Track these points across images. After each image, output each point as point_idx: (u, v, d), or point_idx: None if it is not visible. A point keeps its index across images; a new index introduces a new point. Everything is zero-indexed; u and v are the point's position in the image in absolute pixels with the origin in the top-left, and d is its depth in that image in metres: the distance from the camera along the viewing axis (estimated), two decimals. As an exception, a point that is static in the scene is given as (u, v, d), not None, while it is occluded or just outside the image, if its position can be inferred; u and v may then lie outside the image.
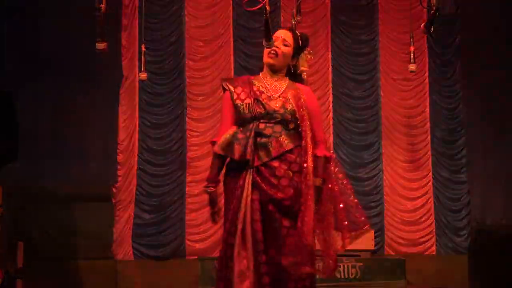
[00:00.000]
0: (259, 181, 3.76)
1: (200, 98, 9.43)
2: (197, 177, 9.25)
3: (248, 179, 3.77)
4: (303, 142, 3.83)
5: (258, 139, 3.81)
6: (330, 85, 9.57)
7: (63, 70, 8.92)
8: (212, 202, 3.96)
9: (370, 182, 9.50)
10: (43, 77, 8.91)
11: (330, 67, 9.61)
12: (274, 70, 3.96)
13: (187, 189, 9.24)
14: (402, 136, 9.59)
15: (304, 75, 4.06)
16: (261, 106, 3.85)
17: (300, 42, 4.02)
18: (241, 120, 3.88)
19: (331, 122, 9.50)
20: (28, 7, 9.02)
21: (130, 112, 9.29)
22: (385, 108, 9.60)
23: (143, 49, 7.58)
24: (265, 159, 3.79)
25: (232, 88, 3.95)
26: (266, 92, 3.91)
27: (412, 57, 7.80)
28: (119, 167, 9.13)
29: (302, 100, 3.88)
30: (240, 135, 3.84)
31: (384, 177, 9.50)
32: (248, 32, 9.47)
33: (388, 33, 9.67)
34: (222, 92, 4.03)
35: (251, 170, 3.79)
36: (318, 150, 3.86)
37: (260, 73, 4.02)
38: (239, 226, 3.74)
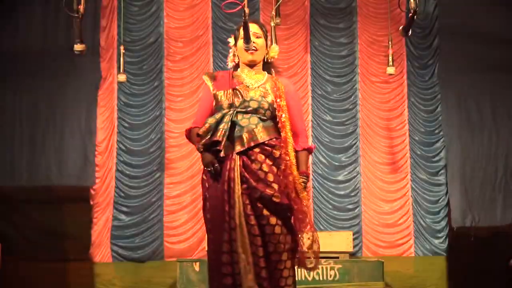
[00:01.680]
0: (247, 175, 3.76)
1: (179, 99, 9.43)
2: (175, 178, 9.25)
3: (236, 171, 3.77)
4: (282, 133, 3.85)
5: (235, 129, 3.82)
6: (309, 87, 9.59)
7: (39, 71, 8.89)
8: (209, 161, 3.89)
9: (348, 185, 9.52)
10: (20, 77, 8.87)
11: (309, 69, 9.64)
12: (252, 65, 4.01)
13: (165, 190, 9.23)
14: (381, 139, 9.62)
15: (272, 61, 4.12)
16: (238, 94, 3.88)
17: (265, 29, 4.11)
18: (218, 109, 3.89)
19: (309, 124, 9.51)
20: (5, 6, 8.96)
21: (109, 113, 9.27)
22: (364, 110, 9.63)
23: (122, 50, 7.57)
24: (240, 148, 3.80)
25: (211, 81, 4.00)
26: (245, 83, 3.95)
27: (390, 59, 7.86)
28: (97, 168, 9.10)
29: (280, 90, 3.90)
30: (217, 116, 3.84)
31: (362, 180, 9.52)
32: (227, 34, 9.48)
33: (367, 36, 9.71)
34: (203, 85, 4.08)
35: (236, 161, 3.79)
36: (298, 143, 3.90)
37: (238, 69, 4.05)
38: (237, 221, 3.73)
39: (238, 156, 3.80)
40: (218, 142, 3.78)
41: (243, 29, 3.80)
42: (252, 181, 3.74)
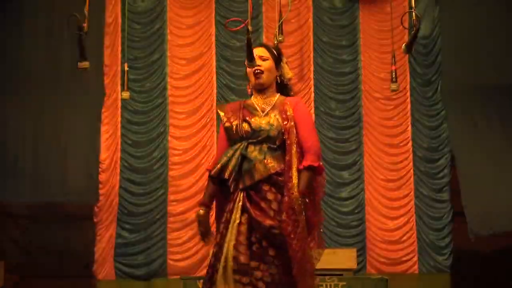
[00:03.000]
0: (248, 205, 3.72)
1: (182, 116, 9.45)
2: (179, 196, 9.25)
3: (238, 203, 3.74)
4: (287, 157, 3.77)
5: (244, 163, 3.79)
6: (312, 104, 9.59)
7: (43, 88, 8.93)
8: (200, 224, 3.92)
9: (352, 201, 9.50)
10: (24, 94, 8.90)
11: (312, 86, 9.65)
12: (262, 89, 3.96)
13: (169, 208, 9.23)
14: (384, 155, 9.61)
15: (290, 83, 4.09)
16: (247, 125, 3.85)
17: (275, 51, 4.05)
18: (231, 143, 3.89)
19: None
20: (11, 22, 9.02)
21: (112, 130, 9.29)
22: (367, 127, 9.64)
23: (126, 67, 7.60)
24: (248, 182, 3.75)
25: (222, 113, 3.99)
26: (255, 112, 3.92)
27: (393, 76, 7.86)
28: (100, 185, 9.10)
29: (288, 112, 3.84)
30: (229, 153, 3.84)
31: (366, 196, 9.49)
32: (231, 51, 9.52)
33: (370, 53, 9.74)
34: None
35: (241, 193, 3.76)
36: (304, 161, 3.77)
37: (251, 97, 4.03)
38: (224, 251, 3.70)
39: (243, 191, 3.79)
40: (226, 180, 3.79)
41: (246, 47, 3.78)
42: (253, 212, 3.70)
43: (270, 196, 3.73)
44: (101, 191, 9.09)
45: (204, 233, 3.90)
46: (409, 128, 9.69)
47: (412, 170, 9.58)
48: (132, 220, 9.14)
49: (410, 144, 9.66)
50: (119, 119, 9.34)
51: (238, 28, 3.91)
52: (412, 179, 9.55)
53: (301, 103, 3.94)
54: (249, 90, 4.06)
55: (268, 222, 3.67)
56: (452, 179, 9.53)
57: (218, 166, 3.83)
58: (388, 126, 9.68)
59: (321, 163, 3.81)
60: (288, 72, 4.07)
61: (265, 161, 3.76)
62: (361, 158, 9.59)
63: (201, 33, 9.60)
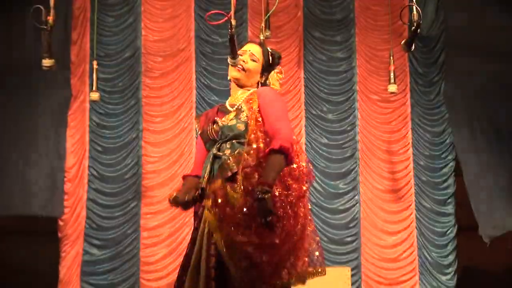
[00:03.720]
0: (215, 210, 3.72)
1: (157, 119, 9.45)
2: (153, 208, 9.25)
3: (205, 209, 3.78)
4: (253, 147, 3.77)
5: (215, 163, 3.86)
6: (303, 106, 9.63)
7: (3, 88, 8.90)
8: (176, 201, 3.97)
9: (346, 215, 9.53)
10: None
11: (303, 87, 9.69)
12: (239, 85, 4.03)
13: (142, 221, 9.22)
14: (382, 163, 9.66)
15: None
16: (216, 126, 3.93)
17: (270, 59, 4.09)
18: (208, 150, 3.97)
19: (303, 147, 9.52)
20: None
21: (79, 135, 9.28)
22: (363, 132, 9.69)
23: (95, 65, 7.60)
24: (218, 182, 3.78)
25: (197, 122, 4.10)
26: (227, 110, 3.98)
27: (392, 76, 7.93)
28: (66, 197, 9.08)
29: (254, 105, 3.88)
30: (205, 162, 3.94)
31: (362, 209, 9.53)
32: (212, 48, 9.54)
33: (366, 51, 9.80)
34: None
35: (209, 200, 3.79)
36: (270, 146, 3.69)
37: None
38: (192, 262, 3.73)
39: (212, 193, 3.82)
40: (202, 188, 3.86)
41: (229, 43, 3.83)
42: (217, 219, 3.69)
43: (236, 195, 3.70)
44: (66, 203, 9.08)
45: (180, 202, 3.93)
46: (409, 133, 9.76)
47: (412, 180, 9.64)
48: (101, 235, 9.13)
49: (410, 151, 9.72)
50: (87, 122, 9.33)
51: (220, 22, 3.95)
52: (412, 190, 9.60)
53: (266, 90, 3.94)
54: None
55: (233, 231, 3.64)
56: (456, 190, 9.58)
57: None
58: (386, 131, 9.74)
59: (293, 149, 3.68)
60: (275, 84, 4.10)
61: (229, 160, 3.78)
62: (357, 166, 9.64)
63: (179, 27, 9.62)
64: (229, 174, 3.75)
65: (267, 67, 4.09)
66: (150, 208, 9.27)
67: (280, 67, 4.18)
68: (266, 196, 3.51)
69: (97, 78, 8.22)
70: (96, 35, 9.09)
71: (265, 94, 3.90)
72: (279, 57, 4.18)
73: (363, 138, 9.70)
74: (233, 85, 4.07)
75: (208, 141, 3.97)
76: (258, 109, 3.85)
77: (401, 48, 4.57)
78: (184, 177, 4.10)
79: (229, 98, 4.07)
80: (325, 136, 9.67)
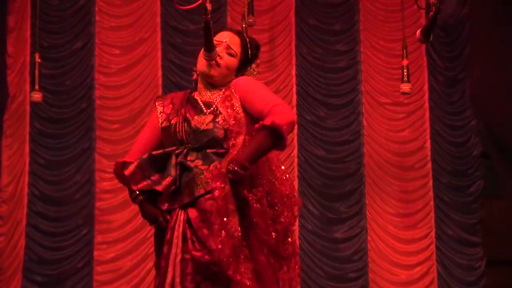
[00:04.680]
0: (189, 234, 3.78)
1: (114, 126, 9.47)
2: (109, 236, 9.25)
3: (178, 230, 3.81)
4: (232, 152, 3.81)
5: (183, 175, 3.86)
6: (294, 110, 9.63)
7: None
8: (144, 212, 3.97)
9: (350, 245, 9.55)
10: None
11: (294, 86, 9.75)
12: (212, 84, 4.02)
13: (95, 252, 9.22)
14: (393, 181, 9.72)
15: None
16: (188, 126, 3.94)
17: (250, 51, 4.10)
18: (169, 146, 3.96)
19: (295, 162, 9.56)
20: None
21: (18, 145, 9.28)
22: (370, 142, 9.76)
23: (37, 59, 7.61)
24: (187, 199, 3.82)
25: (161, 108, 4.05)
26: (198, 108, 3.98)
27: (405, 74, 7.96)
28: (0, 222, 9.09)
29: (234, 100, 3.91)
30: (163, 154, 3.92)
31: (369, 238, 9.58)
32: (183, 37, 9.57)
33: (373, 42, 9.89)
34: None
35: (180, 215, 3.83)
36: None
37: (197, 86, 4.09)
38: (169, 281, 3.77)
39: (182, 210, 3.86)
40: (159, 192, 3.86)
41: (204, 31, 3.83)
42: (192, 246, 3.76)
43: (214, 219, 3.74)
44: (1, 229, 9.08)
45: (154, 219, 3.92)
46: (428, 144, 9.83)
47: (432, 202, 9.70)
48: (45, 269, 9.13)
49: (429, 165, 9.79)
50: (28, 129, 9.34)
51: (193, 6, 3.94)
52: (432, 213, 9.66)
53: (242, 79, 3.99)
54: (195, 76, 4.12)
55: (206, 258, 3.71)
56: (486, 215, 9.63)
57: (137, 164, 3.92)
58: (398, 142, 9.82)
59: (287, 129, 3.76)
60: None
61: (203, 175, 3.82)
62: (362, 184, 9.70)
63: (142, 11, 9.66)
64: (202, 192, 3.79)
65: (245, 62, 4.10)
66: (105, 236, 9.28)
67: (258, 61, 4.19)
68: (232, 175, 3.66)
69: (40, 75, 8.22)
70: (38, 21, 9.09)
71: (243, 82, 3.95)
72: (258, 47, 4.17)
73: (369, 150, 9.76)
74: (202, 81, 4.06)
75: (172, 140, 3.97)
76: (238, 104, 3.89)
77: (416, 38, 4.62)
78: (121, 164, 4.06)
79: (199, 92, 4.06)
80: (323, 147, 9.71)
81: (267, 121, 3.70)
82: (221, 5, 9.57)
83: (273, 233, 3.79)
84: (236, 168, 3.65)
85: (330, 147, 9.74)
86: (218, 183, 3.67)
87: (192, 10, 4.29)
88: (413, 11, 9.31)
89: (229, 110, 3.89)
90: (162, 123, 4.02)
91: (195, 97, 4.02)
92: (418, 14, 9.44)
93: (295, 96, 9.71)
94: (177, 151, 3.88)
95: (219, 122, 3.87)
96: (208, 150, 3.87)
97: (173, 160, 3.86)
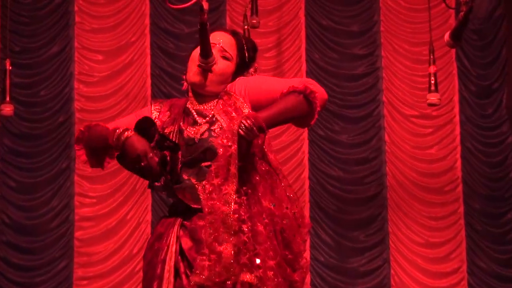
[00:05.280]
0: (182, 268, 3.76)
1: (97, 144, 9.45)
2: (90, 271, 9.26)
3: (169, 263, 3.77)
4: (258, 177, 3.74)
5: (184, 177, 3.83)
6: (305, 124, 9.64)
7: None
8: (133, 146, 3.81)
9: (370, 279, 9.57)
10: None
11: (305, 96, 9.73)
12: (202, 95, 3.95)
13: (75, 291, 9.25)
14: (420, 206, 9.72)
15: None
16: (181, 137, 3.87)
17: (246, 54, 4.04)
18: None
19: (306, 184, 9.56)
20: None
21: (-16, 166, 9.31)
22: (393, 161, 9.77)
23: (8, 66, 7.62)
24: (192, 205, 3.79)
25: (156, 113, 3.98)
26: (192, 119, 3.93)
27: (432, 82, 7.96)
28: (-36, 254, 9.11)
29: (236, 98, 3.88)
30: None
31: (392, 271, 9.60)
32: (175, 41, 9.59)
33: (396, 45, 9.91)
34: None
35: (172, 247, 3.78)
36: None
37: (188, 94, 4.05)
38: None
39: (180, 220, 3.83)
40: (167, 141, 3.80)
41: (200, 35, 3.80)
42: (185, 278, 3.73)
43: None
44: (-35, 263, 9.10)
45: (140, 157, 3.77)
46: (458, 163, 9.85)
47: (464, 231, 9.71)
48: (16, 310, 9.14)
49: (460, 188, 9.81)
50: (-4, 147, 9.37)
51: (187, 4, 3.91)
52: (463, 244, 9.66)
53: (242, 79, 3.96)
54: (185, 85, 4.06)
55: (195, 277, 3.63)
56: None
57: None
58: (425, 160, 9.83)
59: (321, 97, 3.77)
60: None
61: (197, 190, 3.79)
62: (384, 209, 9.70)
63: (128, 11, 9.69)
64: (197, 206, 3.76)
65: (242, 67, 4.04)
66: (86, 270, 9.28)
67: (256, 65, 4.20)
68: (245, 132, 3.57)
69: (11, 84, 8.23)
70: (8, 22, 9.10)
71: (246, 79, 3.95)
72: (255, 49, 4.11)
73: (392, 169, 9.78)
74: (193, 90, 4.00)
75: None
76: (246, 104, 3.84)
77: (445, 41, 4.61)
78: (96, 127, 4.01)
79: (190, 101, 4.00)
80: (338, 167, 9.73)
81: (298, 85, 3.69)
82: (220, 4, 9.61)
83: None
84: (251, 125, 3.56)
85: (347, 167, 9.77)
86: (225, 141, 3.61)
87: (186, 10, 4.28)
88: (442, 9, 9.32)
89: (233, 114, 3.82)
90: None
91: (188, 106, 3.98)
92: (447, 13, 9.46)
93: (305, 108, 9.67)
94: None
95: (215, 131, 3.83)
96: (202, 164, 3.83)
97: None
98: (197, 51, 3.88)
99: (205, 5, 3.71)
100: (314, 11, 9.88)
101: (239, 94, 3.87)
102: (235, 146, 3.57)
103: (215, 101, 3.93)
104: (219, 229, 3.54)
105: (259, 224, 3.60)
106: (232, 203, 3.56)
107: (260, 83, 3.90)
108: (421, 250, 9.67)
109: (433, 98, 8.12)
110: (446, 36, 4.59)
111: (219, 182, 3.59)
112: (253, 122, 3.53)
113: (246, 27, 5.85)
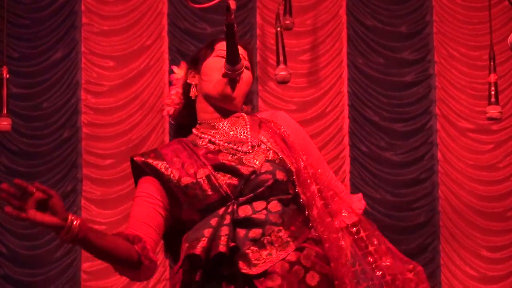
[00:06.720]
0: None
1: (107, 162, 9.51)
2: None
3: None
4: (312, 210, 3.70)
5: (240, 231, 3.63)
6: (346, 139, 9.71)
7: None
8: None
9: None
10: None
11: (346, 108, 9.78)
12: (227, 111, 3.88)
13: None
14: (477, 234, 9.72)
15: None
16: (230, 173, 3.78)
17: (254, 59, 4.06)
18: (203, 215, 3.81)
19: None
20: None
21: (-21, 188, 9.31)
22: (447, 182, 9.76)
23: (5, 74, 7.64)
24: (261, 267, 3.61)
25: (161, 163, 3.84)
26: (228, 149, 3.86)
27: (492, 92, 7.92)
28: (-43, 290, 9.14)
29: (283, 134, 3.82)
30: (196, 234, 3.75)
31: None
32: (197, 43, 9.58)
33: (450, 49, 9.90)
34: (134, 181, 3.86)
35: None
36: (349, 211, 3.76)
37: (197, 126, 3.96)
38: None
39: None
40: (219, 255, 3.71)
41: (226, 38, 3.77)
42: None
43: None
44: (-43, 301, 9.13)
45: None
46: (527, 185, 9.81)
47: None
48: None
49: (525, 214, 9.77)
50: (-7, 166, 9.41)
51: (211, 3, 3.90)
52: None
53: (284, 114, 3.97)
54: (170, 111, 3.97)
55: None
56: None
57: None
58: (484, 182, 9.82)
59: None
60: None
61: (279, 229, 3.72)
62: (436, 238, 9.72)
63: (143, 10, 9.70)
64: (283, 255, 3.61)
65: (253, 73, 4.01)
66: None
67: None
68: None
69: (8, 95, 8.25)
70: (6, 25, 9.14)
71: (294, 124, 3.94)
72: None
73: (446, 192, 9.76)
74: (210, 109, 3.90)
75: (209, 201, 3.76)
76: (290, 138, 3.81)
77: (509, 45, 4.58)
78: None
79: (201, 130, 3.88)
80: (383, 189, 9.73)
81: (358, 208, 3.80)
82: (248, 1, 9.57)
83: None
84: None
85: (393, 189, 9.79)
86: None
87: (210, 8, 4.25)
88: (504, 8, 9.32)
89: (283, 148, 3.77)
90: (178, 181, 3.86)
91: (205, 131, 3.91)
92: (511, 12, 9.44)
93: (347, 121, 9.77)
94: (224, 213, 3.68)
95: (276, 161, 3.75)
96: (272, 203, 3.71)
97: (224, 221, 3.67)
98: (214, 59, 3.85)
99: (233, 5, 3.59)
100: (357, 10, 9.89)
101: (284, 126, 3.86)
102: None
103: (243, 122, 3.89)
104: None
105: None
106: None
107: (310, 147, 3.98)
108: (477, 285, 9.69)
109: (493, 111, 8.04)
110: (510, 38, 4.56)
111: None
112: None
113: (278, 28, 5.82)
